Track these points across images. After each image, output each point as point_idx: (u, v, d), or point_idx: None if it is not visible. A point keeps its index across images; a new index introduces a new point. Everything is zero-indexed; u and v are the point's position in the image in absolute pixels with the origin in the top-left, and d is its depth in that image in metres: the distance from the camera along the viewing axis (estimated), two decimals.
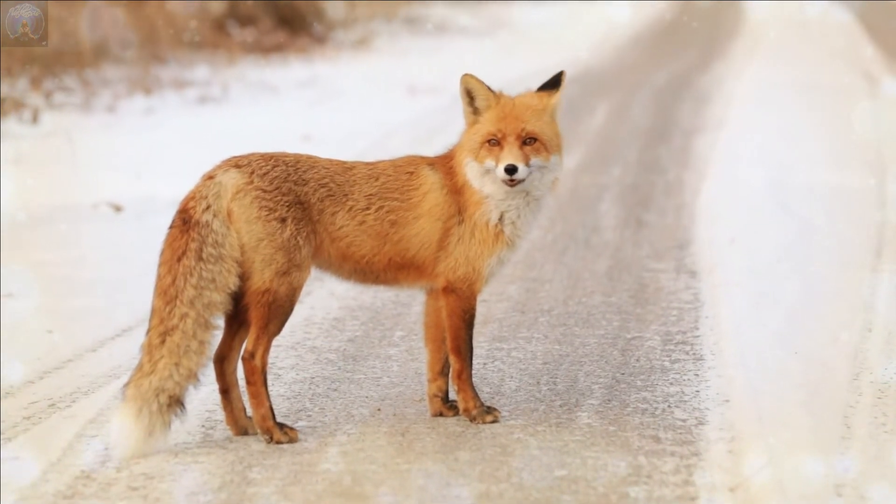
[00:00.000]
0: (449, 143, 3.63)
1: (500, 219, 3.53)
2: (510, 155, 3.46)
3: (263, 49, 13.19)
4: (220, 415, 3.54)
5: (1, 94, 9.10)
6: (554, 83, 3.56)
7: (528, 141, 3.48)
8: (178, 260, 3.37)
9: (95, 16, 10.76)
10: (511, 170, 3.44)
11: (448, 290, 3.54)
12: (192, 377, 3.36)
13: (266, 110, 9.79)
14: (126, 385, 3.36)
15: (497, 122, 3.49)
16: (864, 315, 4.68)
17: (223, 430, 3.53)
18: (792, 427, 3.59)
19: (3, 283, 4.93)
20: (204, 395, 3.64)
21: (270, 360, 3.65)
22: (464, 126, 3.56)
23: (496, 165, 3.47)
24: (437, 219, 3.52)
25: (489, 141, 3.48)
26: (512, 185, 3.47)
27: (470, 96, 3.53)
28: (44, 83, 9.70)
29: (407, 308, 4.75)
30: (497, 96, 3.54)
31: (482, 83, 3.53)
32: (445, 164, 3.57)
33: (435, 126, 9.08)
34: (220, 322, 3.43)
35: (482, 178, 3.50)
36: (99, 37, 10.67)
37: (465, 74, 3.53)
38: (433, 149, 6.11)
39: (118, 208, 6.28)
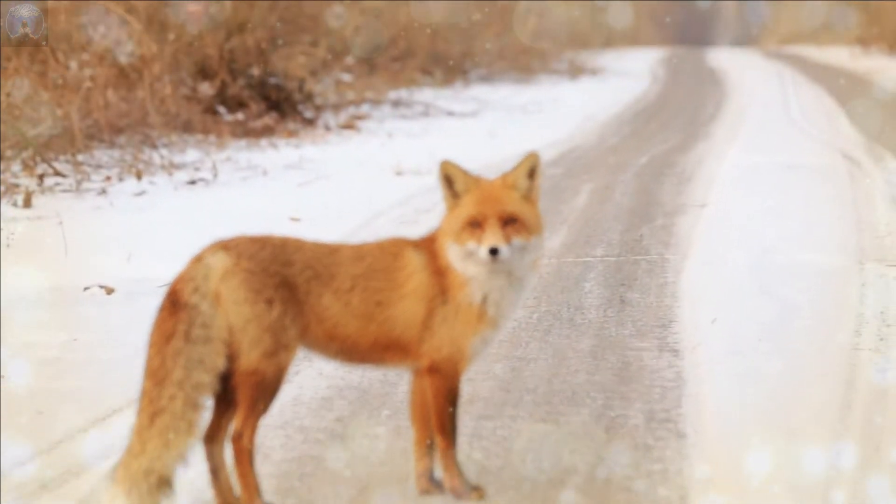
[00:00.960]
0: (435, 224, 3.69)
1: (484, 300, 3.58)
2: (493, 236, 3.51)
3: (253, 132, 13.34)
4: (210, 494, 3.56)
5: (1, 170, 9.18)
6: (523, 165, 3.62)
7: (509, 221, 3.54)
8: (167, 341, 3.42)
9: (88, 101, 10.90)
10: (494, 251, 3.50)
11: (432, 369, 3.59)
12: (181, 458, 3.40)
13: (255, 192, 9.85)
14: (116, 466, 3.39)
15: (477, 205, 3.55)
16: (845, 392, 4.75)
17: None
18: None
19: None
20: (194, 475, 3.67)
21: (259, 439, 3.69)
22: (447, 209, 3.62)
23: (478, 247, 3.52)
24: (422, 300, 3.58)
25: (470, 223, 3.54)
26: (495, 263, 3.52)
27: (449, 181, 3.60)
28: (36, 167, 9.78)
29: (394, 388, 4.79)
30: (475, 180, 3.61)
31: (460, 168, 3.60)
32: (429, 246, 3.63)
33: (422, 206, 9.17)
34: (209, 402, 3.47)
35: (464, 260, 3.55)
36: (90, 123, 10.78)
37: (444, 162, 3.61)
38: (420, 229, 6.18)
39: (109, 290, 6.32)
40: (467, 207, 3.55)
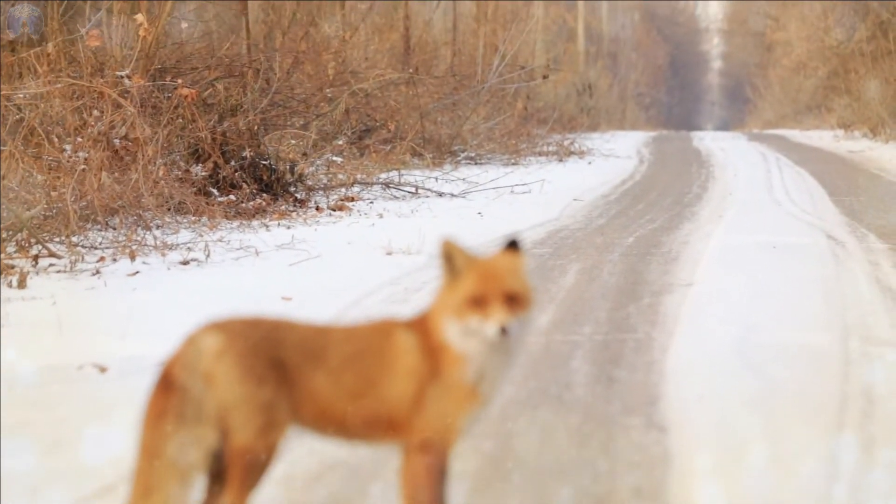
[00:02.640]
0: (426, 304, 3.74)
1: (478, 377, 3.61)
2: (501, 314, 3.52)
3: (245, 213, 13.44)
4: None
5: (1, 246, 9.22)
6: (512, 245, 3.69)
7: (511, 299, 3.56)
8: (160, 420, 3.48)
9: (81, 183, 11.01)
10: (504, 330, 3.51)
11: (423, 446, 3.63)
12: None
13: (247, 272, 9.85)
14: None
15: (479, 283, 3.56)
16: (830, 469, 4.80)
17: None
18: None
19: None
20: None
21: None
22: (441, 287, 3.63)
23: (483, 324, 3.53)
24: (413, 379, 3.62)
25: (473, 301, 3.55)
26: (504, 340, 3.52)
27: (448, 260, 3.62)
28: (31, 248, 9.83)
29: (384, 464, 4.82)
30: (474, 258, 3.64)
31: (460, 247, 3.63)
32: (420, 325, 3.67)
33: (412, 286, 9.20)
34: (201, 480, 3.51)
35: (465, 337, 3.56)
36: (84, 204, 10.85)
37: (445, 241, 3.63)
38: (410, 308, 6.26)
39: (103, 369, 6.34)
40: (469, 285, 3.55)
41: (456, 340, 3.57)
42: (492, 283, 3.54)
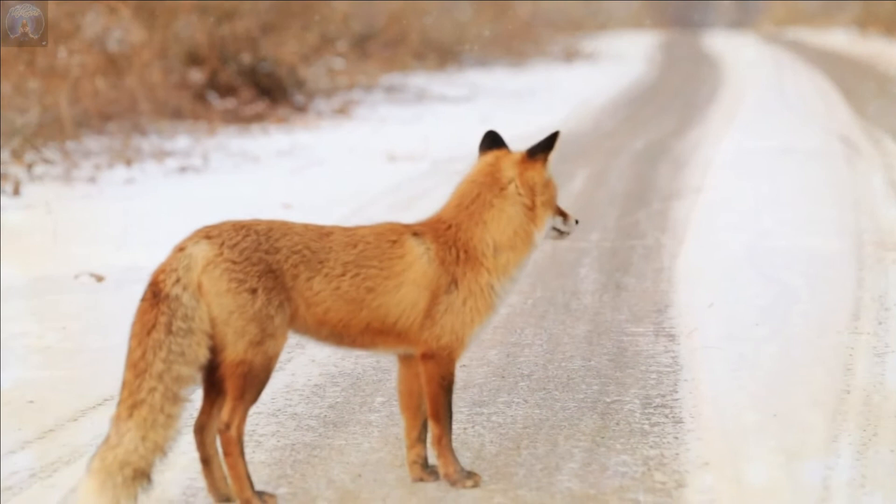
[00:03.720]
0: (431, 210, 3.62)
1: (508, 282, 3.59)
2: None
3: (244, 119, 13.27)
4: (202, 482, 3.52)
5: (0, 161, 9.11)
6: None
7: None
8: (148, 333, 3.34)
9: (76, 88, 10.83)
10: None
11: (427, 356, 3.53)
12: (159, 450, 3.31)
13: (247, 179, 9.79)
14: (92, 457, 3.32)
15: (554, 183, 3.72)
16: (843, 378, 4.71)
17: (205, 497, 3.53)
18: (771, 490, 3.61)
19: None
20: (186, 463, 3.64)
21: (251, 427, 3.64)
22: (538, 180, 3.65)
23: (565, 221, 3.69)
24: (425, 288, 3.50)
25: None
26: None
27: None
28: (25, 155, 9.71)
29: (387, 374, 4.75)
30: None
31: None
32: (434, 232, 3.56)
33: (414, 193, 9.13)
34: (190, 395, 3.39)
35: (547, 234, 3.68)
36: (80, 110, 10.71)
37: (558, 132, 3.72)
38: (412, 215, 6.14)
39: (100, 278, 6.27)
40: (554, 184, 3.72)
41: (540, 239, 3.62)
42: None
